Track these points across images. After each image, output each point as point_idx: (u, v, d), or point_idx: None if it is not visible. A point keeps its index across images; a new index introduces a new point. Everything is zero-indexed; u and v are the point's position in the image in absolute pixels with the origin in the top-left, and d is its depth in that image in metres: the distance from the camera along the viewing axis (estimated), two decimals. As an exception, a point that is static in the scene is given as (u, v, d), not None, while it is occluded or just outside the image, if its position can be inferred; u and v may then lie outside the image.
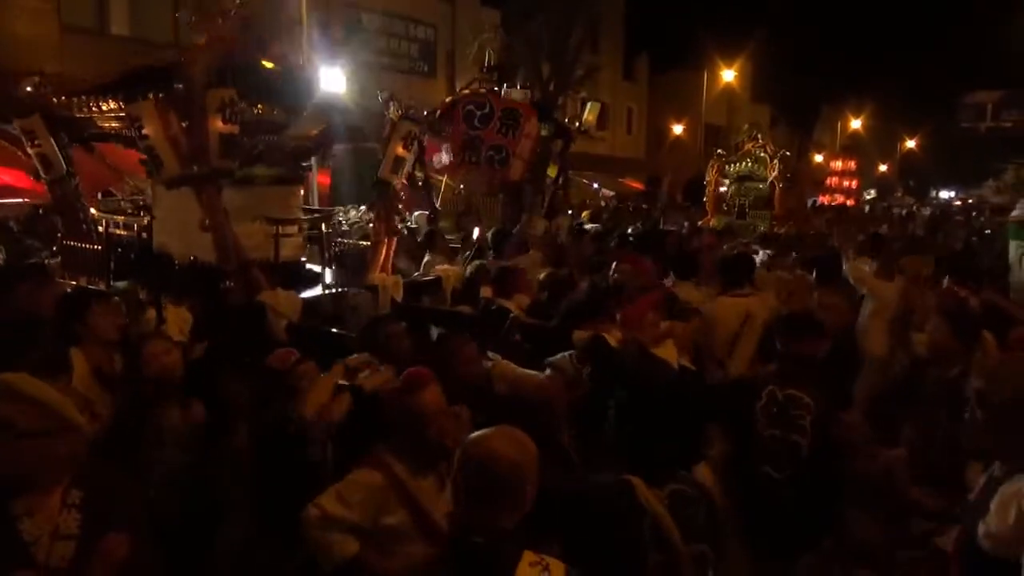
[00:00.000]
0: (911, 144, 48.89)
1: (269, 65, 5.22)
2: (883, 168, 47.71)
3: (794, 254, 8.50)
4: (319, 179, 12.32)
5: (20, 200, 9.37)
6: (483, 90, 9.81)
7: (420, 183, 10.63)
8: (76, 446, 2.19)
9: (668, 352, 3.86)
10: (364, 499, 2.60)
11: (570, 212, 14.80)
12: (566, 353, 3.71)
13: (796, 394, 3.51)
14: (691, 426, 3.71)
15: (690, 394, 3.76)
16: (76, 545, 2.07)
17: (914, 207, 29.86)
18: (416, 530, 2.65)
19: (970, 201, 31.98)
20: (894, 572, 3.30)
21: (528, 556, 1.88)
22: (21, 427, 2.03)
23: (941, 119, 41.34)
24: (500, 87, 11.52)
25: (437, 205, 10.10)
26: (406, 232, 8.04)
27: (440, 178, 11.36)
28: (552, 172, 13.30)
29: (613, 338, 4.03)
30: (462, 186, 11.41)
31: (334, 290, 5.00)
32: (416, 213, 10.45)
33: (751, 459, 3.52)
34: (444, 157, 11.28)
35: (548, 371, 3.73)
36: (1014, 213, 8.46)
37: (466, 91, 11.97)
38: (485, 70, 11.91)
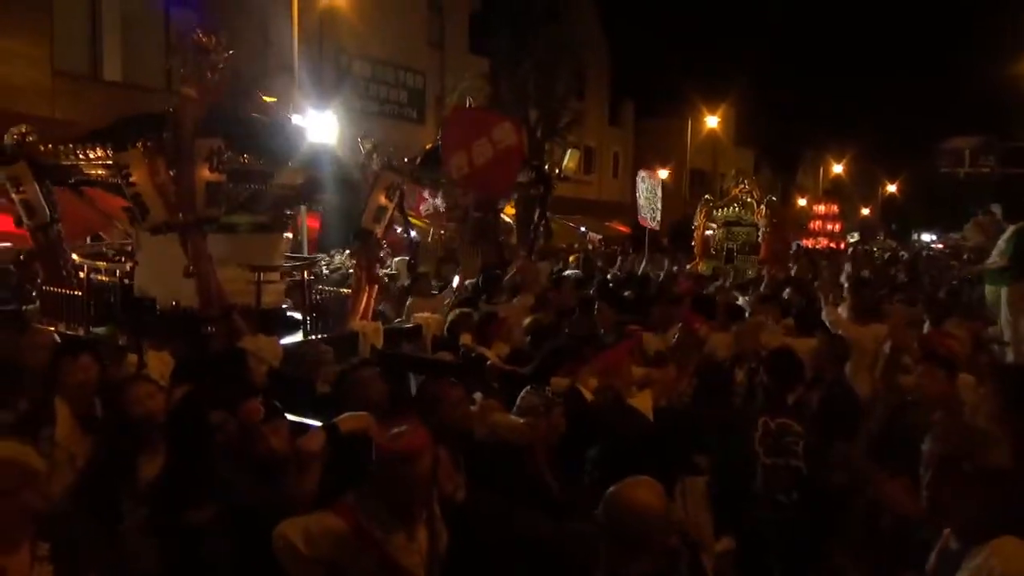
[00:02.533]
0: (892, 188, 49.82)
1: (257, 116, 5.35)
2: (865, 211, 48.48)
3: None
4: (308, 222, 12.44)
5: (7, 245, 9.39)
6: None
7: (400, 229, 10.78)
8: (38, 497, 2.25)
9: (644, 402, 3.93)
10: (328, 544, 2.61)
11: (557, 260, 14.93)
12: (527, 389, 3.75)
13: (786, 422, 3.75)
14: (669, 472, 3.77)
15: (667, 442, 3.81)
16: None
17: (897, 250, 30.29)
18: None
19: (950, 245, 32.46)
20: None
21: None
22: None
23: (921, 164, 42.20)
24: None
25: (417, 251, 10.20)
26: (386, 280, 8.10)
27: (425, 224, 11.47)
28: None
29: (589, 386, 4.11)
30: (442, 231, 11.50)
31: (311, 337, 5.03)
32: (396, 259, 10.52)
33: (756, 489, 3.62)
34: (433, 203, 11.43)
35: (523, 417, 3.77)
36: (990, 261, 8.60)
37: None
38: None
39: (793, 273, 11.97)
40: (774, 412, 3.81)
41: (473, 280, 7.53)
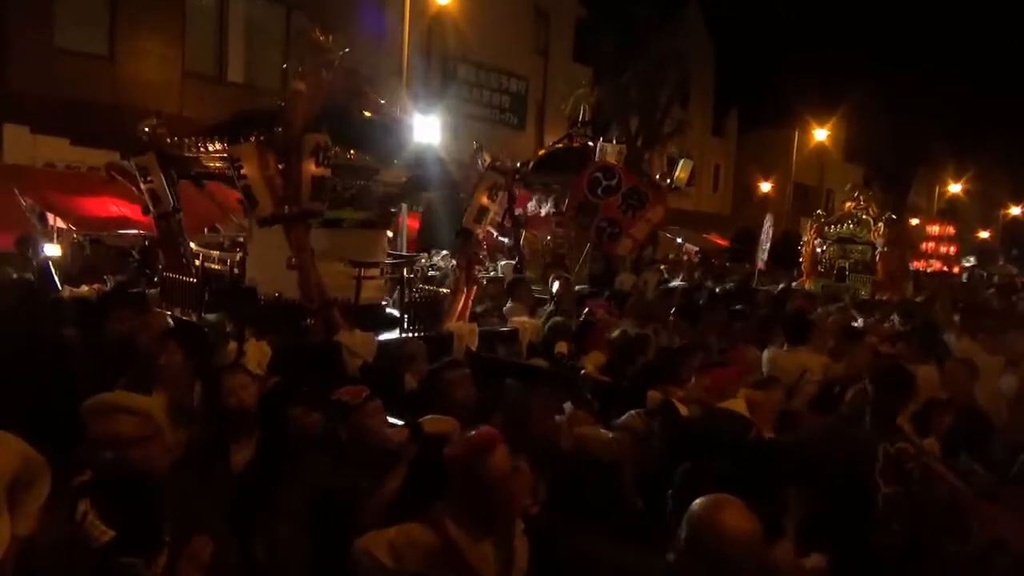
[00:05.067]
0: (1016, 211, 46.38)
1: (367, 114, 5.45)
2: (984, 234, 45.31)
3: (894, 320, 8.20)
4: (409, 222, 12.71)
5: (136, 232, 10.02)
6: (613, 162, 9.96)
7: (509, 233, 10.84)
8: (167, 448, 2.44)
9: (738, 406, 3.72)
10: (415, 557, 2.55)
11: (661, 267, 14.65)
12: (634, 411, 3.61)
13: (903, 447, 3.46)
14: (768, 495, 3.55)
15: (770, 457, 3.59)
16: (168, 552, 2.25)
17: (1016, 277, 28.12)
18: None
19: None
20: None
21: None
22: (127, 436, 2.30)
23: (1051, 185, 39.13)
24: (594, 141, 11.68)
25: (525, 255, 10.23)
26: (485, 282, 8.12)
27: (528, 232, 11.53)
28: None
29: (683, 403, 3.94)
30: (549, 237, 11.50)
31: (406, 335, 5.06)
32: (503, 262, 10.57)
33: (872, 523, 3.36)
34: (537, 207, 11.46)
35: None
36: None
37: (559, 144, 12.19)
38: (579, 124, 12.07)
39: (920, 298, 11.23)
40: (891, 436, 3.51)
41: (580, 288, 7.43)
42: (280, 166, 4.60)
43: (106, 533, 2.28)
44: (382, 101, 5.58)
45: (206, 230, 10.00)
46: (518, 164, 10.35)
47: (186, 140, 5.12)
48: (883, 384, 3.75)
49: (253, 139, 4.58)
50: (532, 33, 24.54)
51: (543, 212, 11.20)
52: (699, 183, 32.03)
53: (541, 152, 11.20)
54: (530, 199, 11.53)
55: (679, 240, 24.86)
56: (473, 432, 2.66)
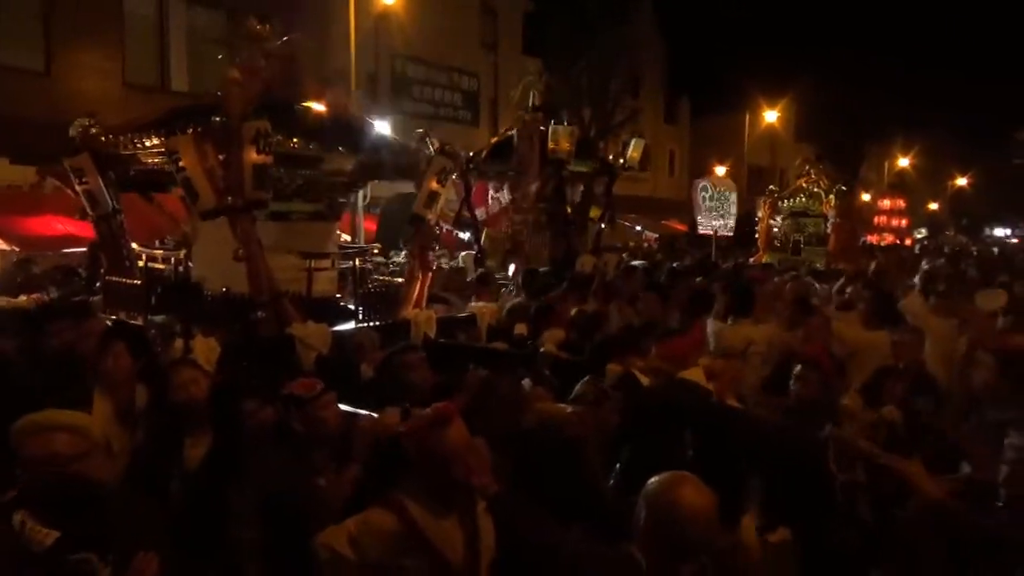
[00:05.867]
0: (962, 182, 47.74)
1: (310, 104, 5.34)
2: (933, 206, 46.57)
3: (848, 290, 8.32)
4: (365, 224, 12.58)
5: (84, 249, 9.72)
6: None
7: (467, 224, 10.79)
8: (110, 458, 2.37)
9: (696, 376, 3.71)
10: (377, 542, 2.47)
11: (623, 255, 14.73)
12: (587, 379, 3.56)
13: (839, 434, 3.46)
14: (731, 471, 3.54)
15: (729, 429, 3.58)
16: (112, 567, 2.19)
17: (967, 246, 28.97)
18: (433, 574, 2.51)
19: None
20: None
21: None
22: (64, 455, 2.25)
23: (992, 156, 40.36)
24: (545, 126, 11.67)
25: (484, 245, 10.21)
26: (445, 268, 8.06)
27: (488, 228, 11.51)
28: (595, 213, 13.34)
29: (644, 375, 3.91)
30: (508, 227, 11.47)
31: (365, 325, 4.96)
32: (463, 253, 10.52)
33: (826, 510, 3.35)
34: (497, 198, 11.43)
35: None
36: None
37: (511, 132, 12.18)
38: (530, 110, 12.04)
39: (872, 269, 11.44)
40: (834, 422, 3.54)
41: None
42: (220, 157, 4.48)
43: (50, 535, 2.19)
44: (324, 89, 5.46)
45: (157, 242, 9.76)
46: (471, 154, 10.31)
47: (121, 138, 4.95)
48: (824, 372, 3.74)
49: (190, 131, 4.45)
50: (480, 28, 24.47)
51: (503, 201, 11.17)
52: (655, 170, 32.28)
53: (494, 140, 11.12)
54: (488, 195, 11.48)
55: (638, 228, 25.03)
56: (428, 409, 2.60)
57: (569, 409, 3.47)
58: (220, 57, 4.90)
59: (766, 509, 3.55)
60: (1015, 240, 34.53)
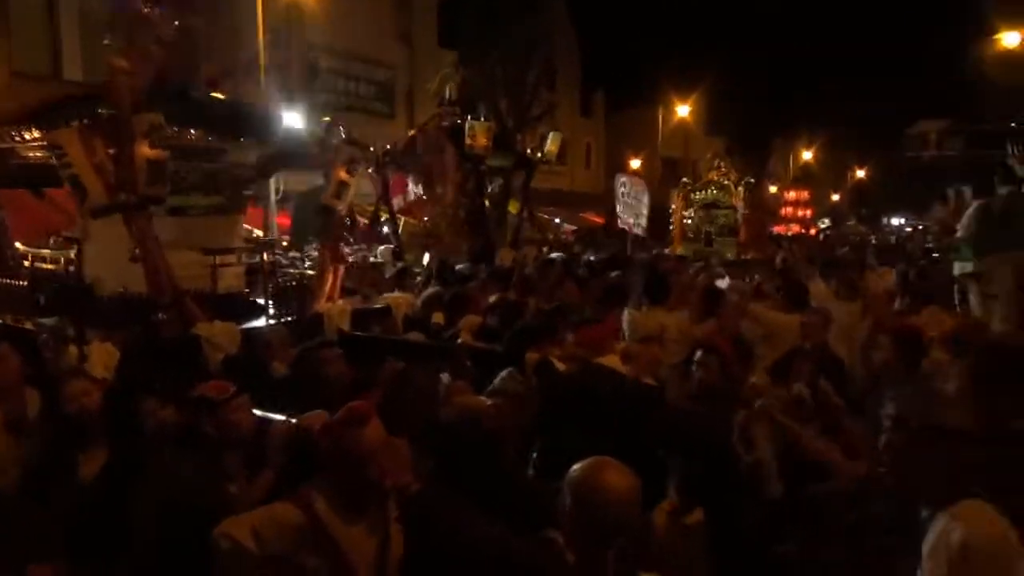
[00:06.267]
0: (861, 174, 50.34)
1: (213, 94, 5.09)
2: (835, 197, 48.91)
3: (755, 278, 8.62)
4: (279, 220, 12.21)
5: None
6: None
7: (383, 220, 10.63)
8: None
9: (612, 362, 3.74)
10: (279, 536, 2.37)
11: (543, 248, 14.82)
12: (508, 372, 3.54)
13: (749, 413, 3.48)
14: (645, 447, 3.58)
15: (644, 410, 3.63)
16: None
17: (867, 235, 30.55)
18: (335, 575, 2.42)
19: (919, 227, 32.87)
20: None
21: None
22: None
23: (889, 149, 42.70)
24: (462, 120, 11.60)
25: (401, 237, 10.08)
26: (364, 263, 7.91)
27: (406, 219, 11.37)
28: (514, 207, 13.36)
29: (562, 362, 3.92)
30: (426, 219, 11.36)
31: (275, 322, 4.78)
32: (381, 248, 10.36)
33: (733, 491, 3.41)
34: (414, 191, 11.29)
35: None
36: (956, 235, 8.59)
37: (427, 124, 12.06)
38: (447, 103, 11.96)
39: (780, 259, 11.89)
40: (738, 404, 3.55)
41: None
42: (110, 151, 4.20)
43: None
44: (226, 78, 5.21)
45: (52, 239, 9.19)
46: (387, 147, 10.15)
47: (-3, 131, 4.59)
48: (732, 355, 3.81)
49: (76, 124, 4.16)
50: (394, 20, 24.10)
51: (422, 194, 11.05)
52: (572, 163, 32.69)
53: (412, 132, 10.98)
54: (407, 184, 11.35)
55: (556, 220, 25.26)
56: (344, 407, 2.51)
57: (488, 402, 3.44)
58: (106, 44, 4.56)
59: (681, 492, 3.63)
60: (909, 228, 36.62)
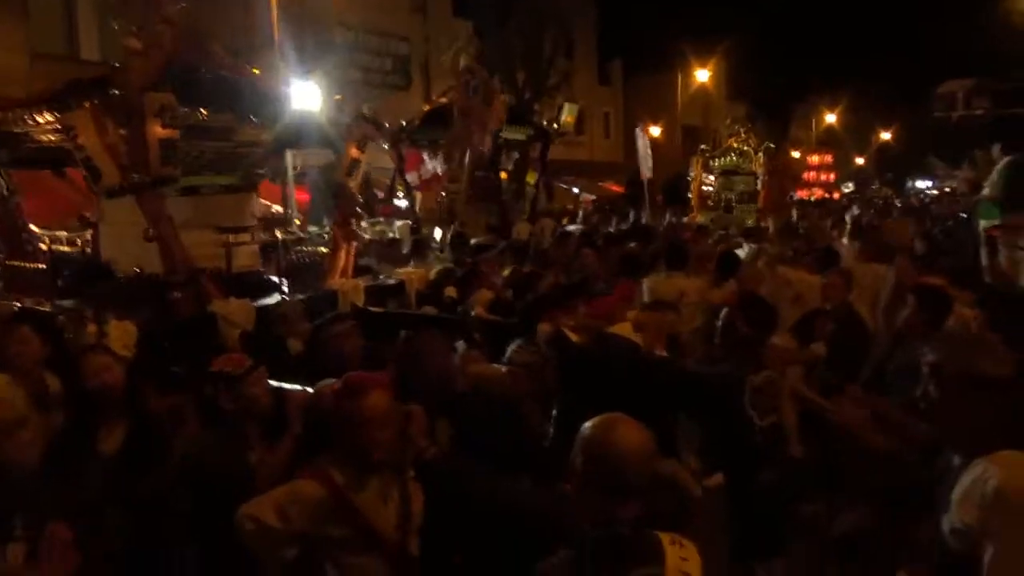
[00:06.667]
0: (886, 136, 49.30)
1: (222, 73, 5.07)
2: (860, 161, 48.05)
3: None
4: (298, 195, 12.23)
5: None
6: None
7: (401, 194, 10.62)
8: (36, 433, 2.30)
9: (625, 330, 3.74)
10: (304, 511, 2.45)
11: (564, 219, 14.76)
12: (519, 342, 3.56)
13: (770, 375, 3.48)
14: (660, 415, 3.59)
15: (657, 379, 3.63)
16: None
17: (892, 198, 30.03)
18: (360, 542, 2.50)
19: (946, 189, 32.25)
20: (882, 566, 3.21)
21: (664, 536, 1.90)
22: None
23: (914, 110, 41.70)
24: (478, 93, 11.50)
25: (418, 214, 10.08)
26: (375, 238, 7.93)
27: (421, 193, 11.35)
28: (531, 178, 13.28)
29: (574, 332, 3.92)
30: (443, 194, 11.35)
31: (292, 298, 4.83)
32: (399, 223, 10.37)
33: (749, 453, 3.41)
34: (430, 166, 11.26)
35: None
36: (983, 192, 8.44)
37: (443, 99, 11.97)
38: (461, 76, 11.85)
39: (797, 221, 11.75)
40: (755, 367, 3.51)
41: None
42: (121, 132, 4.23)
43: None
44: (236, 58, 5.21)
45: (75, 221, 9.31)
46: (403, 123, 10.11)
47: (11, 114, 4.63)
48: (743, 314, 3.71)
49: (88, 105, 4.19)
50: (408, -9, 23.90)
51: (439, 170, 11.02)
52: (590, 132, 32.37)
53: (426, 107, 10.91)
54: (422, 161, 11.31)
55: (575, 190, 25.11)
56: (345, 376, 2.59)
57: (503, 370, 3.48)
58: (116, 27, 4.56)
59: (703, 456, 3.63)
60: (935, 192, 35.90)
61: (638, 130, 15.40)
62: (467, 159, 10.02)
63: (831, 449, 3.62)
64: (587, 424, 2.00)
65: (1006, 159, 7.98)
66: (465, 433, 3.01)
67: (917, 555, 2.40)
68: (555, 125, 12.58)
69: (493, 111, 8.59)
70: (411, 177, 10.96)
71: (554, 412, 3.44)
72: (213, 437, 2.97)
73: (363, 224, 8.42)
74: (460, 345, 3.79)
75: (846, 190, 36.39)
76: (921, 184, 48.89)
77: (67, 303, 4.53)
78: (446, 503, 2.67)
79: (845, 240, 8.98)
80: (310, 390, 3.08)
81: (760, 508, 3.35)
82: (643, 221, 12.90)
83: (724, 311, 3.66)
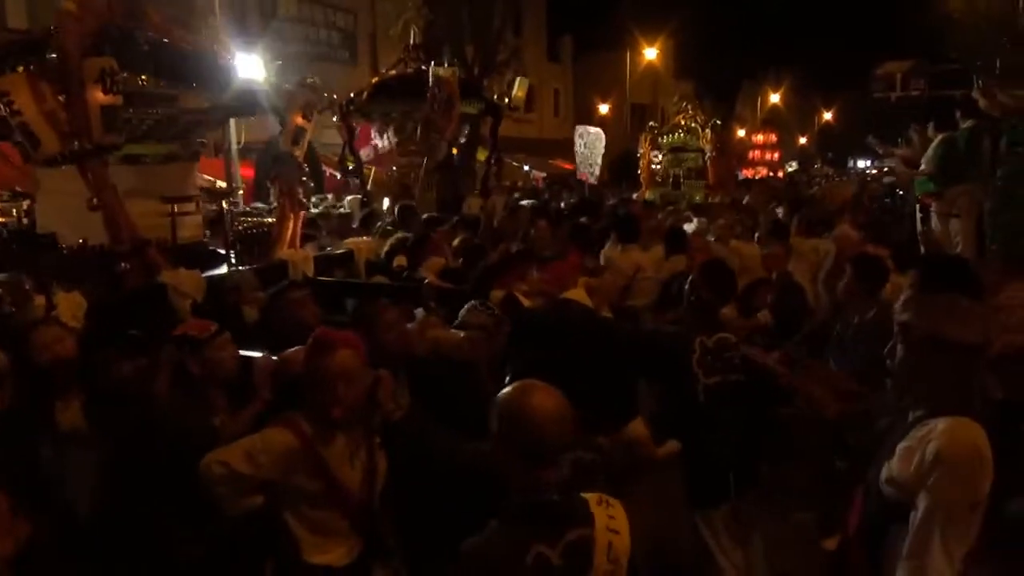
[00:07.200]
0: (828, 116, 50.58)
1: (161, 39, 4.93)
2: (803, 140, 49.22)
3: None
4: (243, 172, 11.97)
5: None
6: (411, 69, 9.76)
7: (352, 171, 10.49)
8: None
9: (579, 296, 3.84)
10: (273, 459, 2.51)
11: (514, 194, 14.78)
12: (474, 304, 3.62)
13: (723, 337, 3.60)
14: (613, 377, 3.71)
15: (612, 340, 3.75)
16: None
17: (833, 176, 30.89)
18: (325, 496, 2.58)
19: (885, 169, 33.31)
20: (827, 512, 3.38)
21: (591, 497, 1.96)
22: None
23: (855, 91, 42.82)
24: (426, 65, 11.38)
25: (369, 188, 10.00)
26: (333, 214, 7.86)
27: (371, 168, 11.23)
28: (482, 155, 13.24)
29: (527, 298, 4.01)
30: (394, 168, 11.25)
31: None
32: (349, 198, 10.26)
33: (698, 412, 3.52)
34: (378, 143, 11.14)
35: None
36: (920, 168, 8.78)
37: (392, 71, 11.82)
38: (411, 48, 11.71)
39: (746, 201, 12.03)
40: (709, 329, 3.62)
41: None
42: (60, 98, 4.10)
43: None
44: (175, 23, 5.06)
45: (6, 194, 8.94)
46: (351, 95, 9.97)
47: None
48: (705, 280, 3.82)
49: (22, 69, 4.04)
50: (354, -37, 23.41)
51: (390, 144, 10.92)
52: (540, 109, 32.38)
53: (375, 80, 10.77)
54: (373, 135, 11.18)
55: (526, 167, 25.14)
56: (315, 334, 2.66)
57: (460, 335, 3.54)
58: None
59: (655, 423, 3.76)
60: (874, 171, 37.07)
61: (578, 130, 15.45)
62: (423, 165, 10.02)
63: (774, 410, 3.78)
64: (503, 391, 2.04)
65: (941, 136, 8.32)
66: (424, 397, 3.08)
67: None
68: (506, 100, 12.53)
69: (451, 121, 8.61)
70: (365, 152, 10.85)
71: (508, 375, 3.51)
72: (178, 401, 2.97)
73: (312, 199, 8.33)
74: (419, 312, 3.84)
75: (790, 169, 37.23)
76: (862, 163, 50.38)
77: (1, 277, 4.39)
78: (409, 463, 2.75)
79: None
80: (274, 357, 3.09)
81: (707, 462, 3.50)
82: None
83: (690, 278, 3.76)
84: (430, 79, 9.80)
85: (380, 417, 2.74)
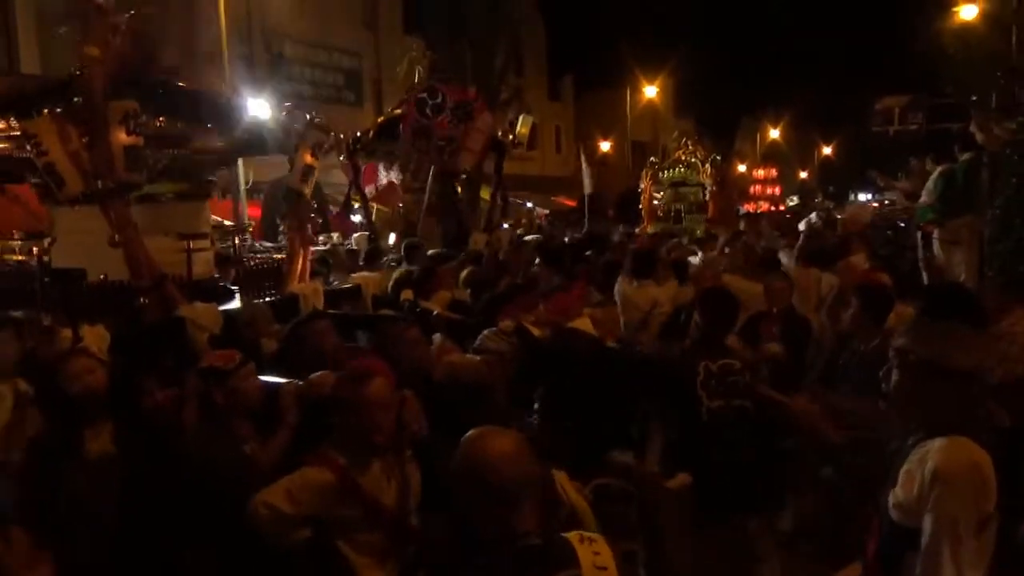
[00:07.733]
0: (828, 151, 51.03)
1: (167, 79, 5.12)
2: (803, 175, 49.61)
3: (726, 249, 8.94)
4: (250, 212, 12.21)
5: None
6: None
7: (357, 206, 10.67)
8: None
9: (584, 325, 3.95)
10: (313, 496, 2.63)
11: (518, 230, 14.98)
12: (489, 331, 3.74)
13: (728, 362, 3.70)
14: (622, 404, 3.79)
15: (619, 367, 3.84)
16: None
17: (833, 211, 31.05)
18: (367, 520, 2.69)
19: (885, 202, 33.54)
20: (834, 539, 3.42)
21: (573, 536, 1.86)
22: None
23: (854, 125, 43.34)
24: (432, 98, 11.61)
25: (375, 224, 10.15)
26: (334, 249, 7.99)
27: (378, 206, 11.43)
28: (486, 192, 13.44)
29: (535, 327, 4.11)
30: (400, 205, 11.43)
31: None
32: (356, 235, 10.44)
33: (701, 433, 3.59)
34: (383, 177, 11.35)
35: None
36: (921, 200, 8.93)
37: (397, 111, 12.05)
38: (415, 89, 11.95)
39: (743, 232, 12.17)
40: (714, 355, 3.73)
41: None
42: (84, 139, 4.26)
43: None
44: (183, 68, 5.27)
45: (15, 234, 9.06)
46: (357, 134, 10.18)
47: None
48: (709, 308, 3.95)
49: (47, 112, 4.21)
50: (360, 7, 23.99)
51: (394, 179, 11.13)
52: (542, 147, 32.81)
53: (380, 119, 11.01)
54: (378, 172, 11.40)
55: (529, 204, 25.40)
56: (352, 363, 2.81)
57: (477, 359, 3.65)
58: (62, 31, 4.56)
59: (665, 457, 3.82)
60: (875, 204, 37.34)
61: (581, 149, 15.91)
62: (430, 176, 10.16)
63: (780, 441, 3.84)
64: (466, 435, 1.97)
65: (941, 168, 8.49)
66: (441, 419, 3.16)
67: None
68: (511, 136, 12.76)
69: (476, 130, 8.72)
70: (369, 190, 11.06)
71: (539, 395, 3.60)
72: (207, 433, 3.05)
73: (319, 238, 8.47)
74: (436, 338, 3.95)
75: (791, 203, 37.50)
76: (863, 197, 50.65)
77: (18, 314, 4.48)
78: (437, 478, 2.82)
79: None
80: (300, 383, 3.17)
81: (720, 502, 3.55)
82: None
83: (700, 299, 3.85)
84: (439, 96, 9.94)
85: (408, 437, 2.87)
